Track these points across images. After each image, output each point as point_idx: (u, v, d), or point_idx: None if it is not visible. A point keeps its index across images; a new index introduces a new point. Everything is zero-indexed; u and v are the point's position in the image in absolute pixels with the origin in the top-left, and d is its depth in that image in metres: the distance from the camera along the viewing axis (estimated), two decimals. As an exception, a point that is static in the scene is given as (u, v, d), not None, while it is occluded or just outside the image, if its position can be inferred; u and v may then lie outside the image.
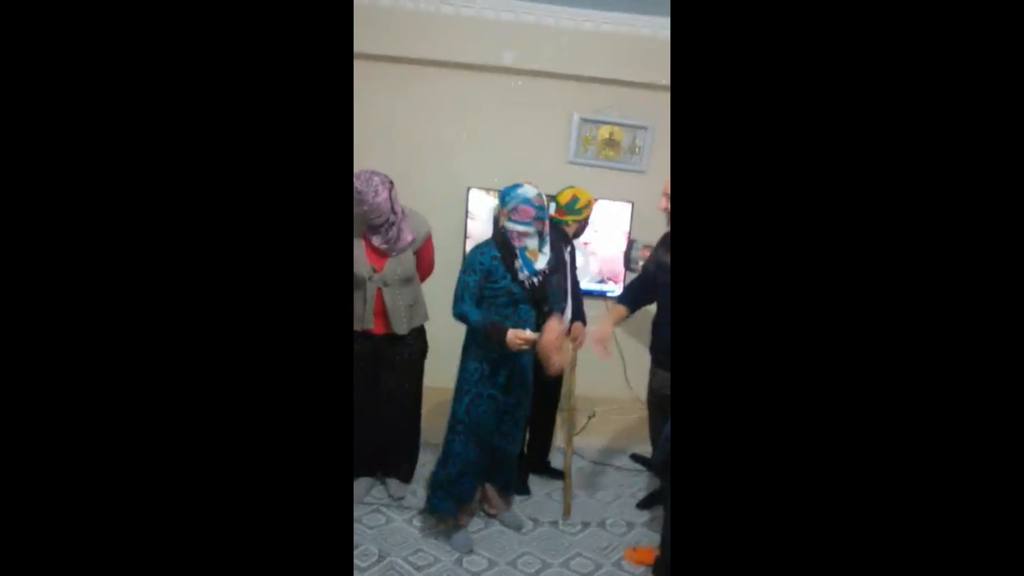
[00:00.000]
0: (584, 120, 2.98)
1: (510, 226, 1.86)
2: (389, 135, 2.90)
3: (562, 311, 2.07)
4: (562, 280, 2.21)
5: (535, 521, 2.24)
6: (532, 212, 1.83)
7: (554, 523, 2.24)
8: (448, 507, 2.02)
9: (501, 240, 1.88)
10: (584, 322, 2.38)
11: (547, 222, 1.92)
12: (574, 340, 2.32)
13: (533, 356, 1.91)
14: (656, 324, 1.82)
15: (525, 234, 1.85)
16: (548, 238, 1.94)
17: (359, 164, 1.74)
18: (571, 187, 2.28)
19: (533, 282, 1.87)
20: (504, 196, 1.88)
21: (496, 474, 2.12)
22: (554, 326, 1.87)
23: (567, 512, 2.28)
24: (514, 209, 1.84)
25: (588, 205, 2.28)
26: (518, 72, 2.92)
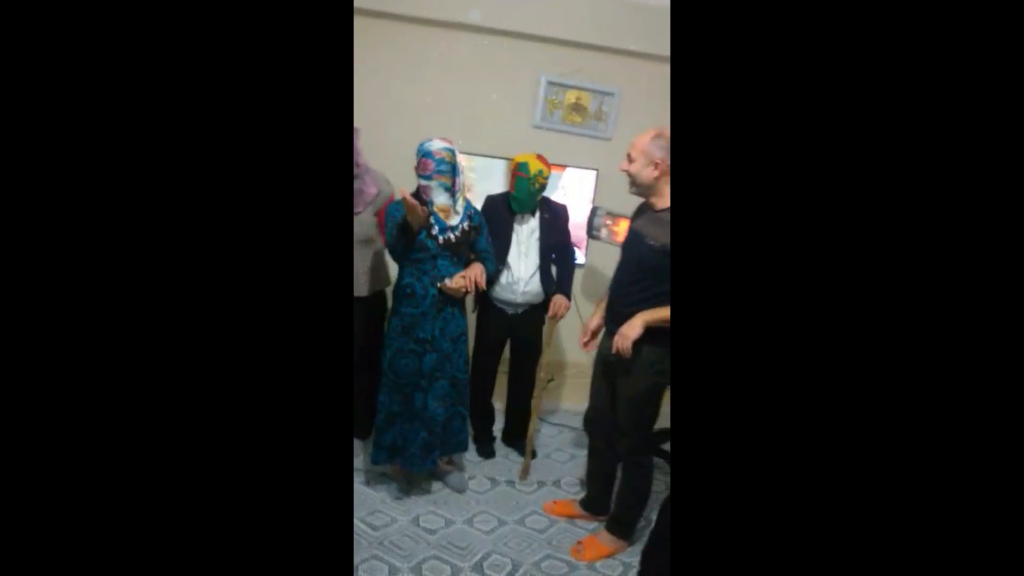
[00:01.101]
0: (551, 83, 2.93)
1: (419, 181, 1.87)
2: (350, 92, 2.80)
3: (492, 272, 2.06)
4: (501, 244, 2.21)
5: (493, 481, 2.29)
6: (431, 166, 1.82)
7: (511, 483, 2.30)
8: (381, 456, 2.04)
9: (416, 196, 1.87)
10: (569, 296, 2.37)
11: (458, 179, 1.89)
12: (554, 316, 2.31)
13: (478, 320, 1.90)
14: (611, 292, 1.83)
15: (429, 188, 1.85)
16: (461, 195, 1.92)
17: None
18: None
19: (449, 238, 1.87)
20: (417, 151, 1.86)
21: (424, 433, 2.00)
22: (471, 269, 1.89)
23: (525, 473, 2.35)
24: (418, 163, 1.84)
25: (511, 160, 2.24)
26: (485, 31, 2.84)
